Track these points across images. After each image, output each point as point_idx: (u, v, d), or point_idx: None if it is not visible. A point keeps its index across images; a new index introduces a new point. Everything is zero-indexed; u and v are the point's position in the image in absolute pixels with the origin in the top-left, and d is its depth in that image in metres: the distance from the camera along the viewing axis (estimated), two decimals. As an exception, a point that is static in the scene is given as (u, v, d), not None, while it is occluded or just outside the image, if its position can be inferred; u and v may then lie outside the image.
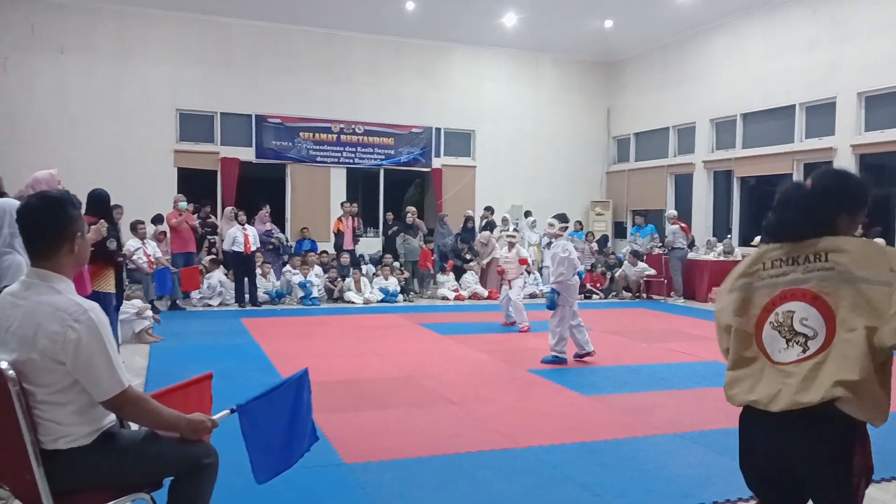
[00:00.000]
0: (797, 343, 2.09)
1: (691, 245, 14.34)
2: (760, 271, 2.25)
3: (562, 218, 7.69)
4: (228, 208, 12.94)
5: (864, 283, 2.01)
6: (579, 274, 13.56)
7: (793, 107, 12.79)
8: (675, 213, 14.27)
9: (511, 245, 9.91)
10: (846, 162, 11.72)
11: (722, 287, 2.43)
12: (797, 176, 12.75)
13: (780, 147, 13.07)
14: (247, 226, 11.88)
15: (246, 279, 11.69)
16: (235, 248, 11.52)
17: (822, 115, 12.32)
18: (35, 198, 2.41)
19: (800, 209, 2.19)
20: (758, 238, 12.55)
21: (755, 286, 2.24)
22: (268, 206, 13.09)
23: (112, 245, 5.54)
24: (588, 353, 7.44)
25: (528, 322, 9.46)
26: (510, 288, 9.72)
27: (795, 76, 12.64)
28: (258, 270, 12.01)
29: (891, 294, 1.97)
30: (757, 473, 2.26)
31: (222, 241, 12.38)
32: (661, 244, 14.47)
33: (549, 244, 9.16)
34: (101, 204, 5.57)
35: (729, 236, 13.94)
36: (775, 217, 2.27)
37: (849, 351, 1.99)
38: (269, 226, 13.01)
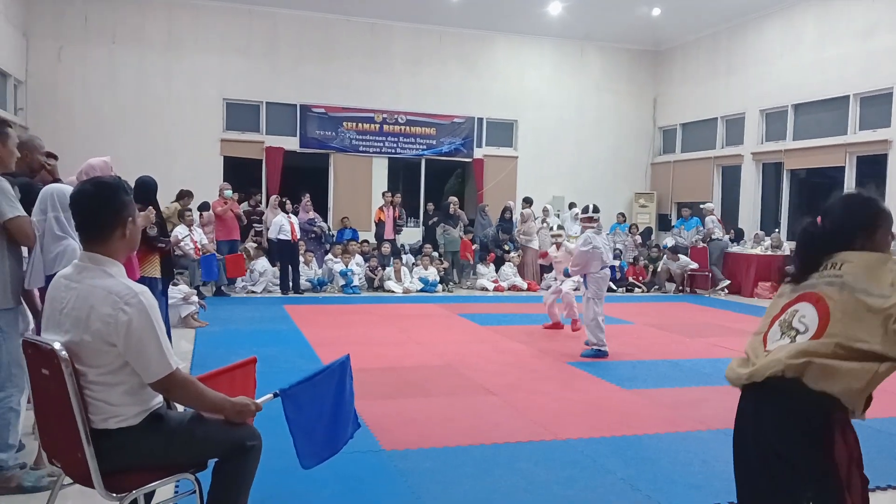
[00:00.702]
0: (789, 336, 2.24)
1: (738, 238, 14.05)
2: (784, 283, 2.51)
3: (585, 209, 7.63)
4: (273, 197, 13.13)
5: (862, 294, 2.14)
6: (620, 267, 13.61)
7: (847, 97, 12.38)
8: (711, 205, 14.00)
9: (558, 245, 9.43)
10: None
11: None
12: (849, 169, 12.36)
13: (832, 139, 12.68)
14: (291, 215, 12.05)
15: (290, 267, 11.86)
16: (281, 237, 11.70)
17: (877, 105, 11.90)
18: (89, 183, 2.47)
19: (816, 246, 2.35)
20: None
21: (781, 292, 2.46)
22: (308, 195, 13.23)
23: (153, 231, 5.63)
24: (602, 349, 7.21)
25: (580, 315, 8.69)
26: (559, 282, 8.80)
27: (850, 65, 12.22)
28: (301, 259, 12.16)
29: (883, 305, 2.09)
30: (744, 460, 2.52)
31: (268, 229, 12.58)
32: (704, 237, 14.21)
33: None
34: (147, 191, 5.67)
35: (777, 230, 13.61)
36: (797, 262, 2.43)
37: (821, 348, 2.14)
38: (311, 214, 13.16)
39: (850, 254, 2.27)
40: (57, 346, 2.25)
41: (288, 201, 12.38)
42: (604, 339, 7.21)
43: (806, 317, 2.23)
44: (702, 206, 14.44)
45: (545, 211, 14.76)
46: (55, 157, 5.19)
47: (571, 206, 15.18)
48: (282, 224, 11.74)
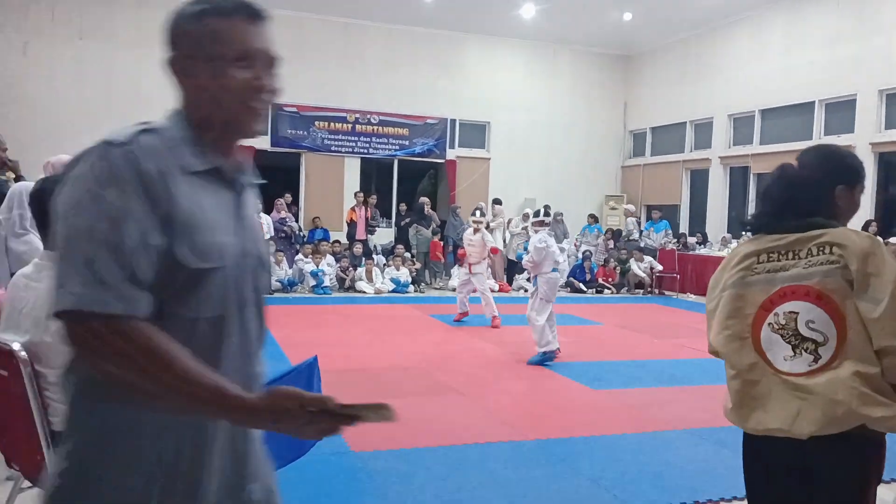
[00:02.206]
0: (806, 350, 1.84)
1: (705, 241, 14.28)
2: (755, 264, 1.99)
3: (536, 213, 8.01)
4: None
5: (861, 296, 1.81)
6: (590, 268, 13.74)
7: (812, 103, 12.64)
8: (632, 207, 14.70)
9: (476, 230, 9.54)
10: (865, 160, 11.47)
11: (711, 284, 2.17)
12: (815, 173, 12.59)
13: (798, 144, 12.90)
14: (262, 214, 11.95)
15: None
16: None
17: (841, 111, 12.17)
18: (49, 181, 2.43)
19: (795, 188, 1.98)
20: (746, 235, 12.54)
21: (748, 281, 1.98)
22: (288, 196, 13.17)
23: None
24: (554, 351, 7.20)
25: (498, 313, 9.13)
26: (472, 273, 9.32)
27: (816, 72, 12.47)
28: (271, 259, 12.06)
29: (871, 315, 1.78)
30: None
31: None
32: (675, 239, 14.40)
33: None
34: None
35: (744, 233, 13.82)
36: (768, 204, 2.05)
37: (854, 367, 1.79)
38: (283, 214, 13.07)
39: (837, 232, 1.88)
40: (16, 346, 2.21)
41: (277, 201, 12.47)
42: (553, 340, 7.10)
43: (815, 321, 1.84)
44: (625, 206, 14.80)
45: (525, 217, 14.80)
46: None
47: (546, 208, 15.28)
48: None
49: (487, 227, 10.72)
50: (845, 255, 1.83)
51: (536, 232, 7.56)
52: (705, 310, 2.21)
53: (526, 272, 13.71)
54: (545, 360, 7.02)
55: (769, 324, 1.91)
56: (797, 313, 1.86)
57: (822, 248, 1.87)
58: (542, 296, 7.10)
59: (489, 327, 9.06)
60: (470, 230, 9.76)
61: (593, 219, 15.72)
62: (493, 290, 13.02)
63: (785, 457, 1.93)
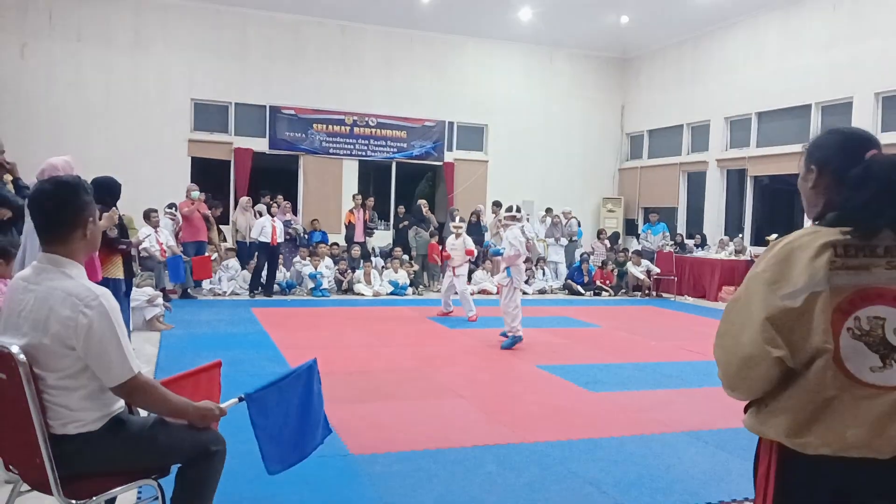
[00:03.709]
0: (894, 360, 1.64)
1: (703, 243, 14.30)
2: (832, 257, 1.67)
3: (509, 209, 8.55)
4: (244, 198, 13.01)
5: None
6: (588, 270, 13.75)
7: (809, 106, 12.67)
8: (569, 209, 15.23)
9: (457, 235, 10.28)
10: (862, 162, 11.61)
11: (758, 286, 1.71)
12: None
13: (794, 146, 12.94)
14: (270, 216, 11.99)
15: (266, 269, 11.80)
16: (262, 239, 11.61)
17: (838, 114, 12.19)
18: (48, 183, 2.42)
19: (880, 203, 1.68)
20: (774, 235, 12.48)
21: (831, 279, 1.67)
22: (288, 203, 13.16)
23: (112, 233, 5.53)
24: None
25: (475, 311, 9.84)
26: (455, 276, 10.08)
27: (812, 75, 12.51)
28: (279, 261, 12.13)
29: None
30: None
31: (236, 230, 12.46)
32: (672, 242, 14.41)
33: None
34: (108, 191, 5.55)
35: (740, 235, 13.85)
36: (873, 194, 1.69)
37: None
38: (288, 216, 13.10)
39: None
40: (14, 349, 2.20)
41: (275, 203, 12.48)
42: (519, 325, 7.87)
43: None
44: (563, 211, 15.09)
45: (496, 209, 14.80)
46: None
47: (548, 210, 15.34)
48: (264, 226, 11.67)
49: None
50: None
51: (508, 227, 8.22)
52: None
53: (524, 274, 13.80)
54: (515, 341, 7.84)
55: (848, 329, 1.66)
56: (884, 319, 1.66)
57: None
58: (516, 284, 7.97)
59: (492, 331, 9.05)
60: (452, 236, 10.44)
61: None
62: (489, 292, 13.14)
63: (864, 488, 1.69)
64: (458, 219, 11.14)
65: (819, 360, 1.64)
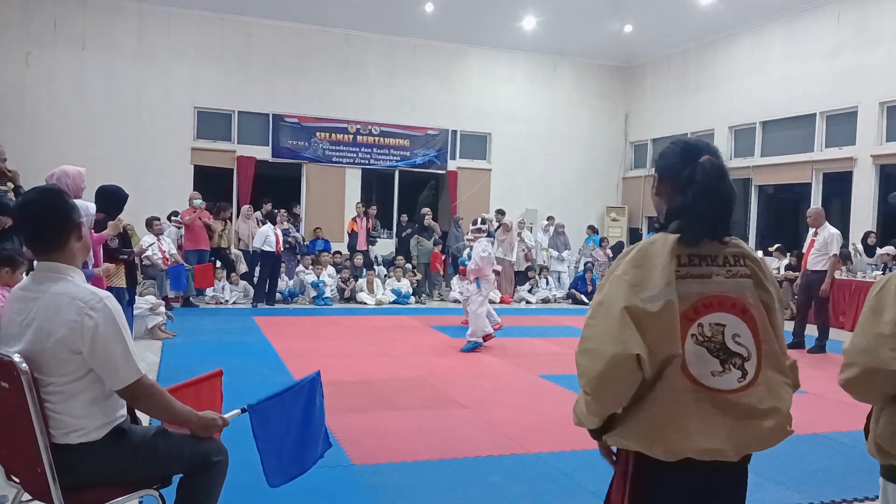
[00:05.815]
0: (734, 365, 1.72)
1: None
2: (677, 266, 1.76)
3: (474, 222, 8.78)
4: (245, 206, 13.00)
5: (770, 301, 1.80)
6: (592, 280, 13.71)
7: (813, 115, 12.65)
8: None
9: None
10: (866, 172, 11.60)
11: (620, 287, 1.74)
12: (816, 186, 12.63)
13: (799, 156, 12.94)
14: (271, 225, 11.97)
15: (269, 278, 11.78)
16: (266, 248, 11.59)
17: (842, 123, 12.18)
18: (31, 193, 2.44)
19: (731, 201, 1.85)
20: (776, 245, 12.41)
21: (678, 287, 1.74)
22: (284, 212, 13.07)
23: (114, 243, 5.52)
24: (489, 335, 8.29)
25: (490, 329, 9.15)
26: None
27: (817, 84, 12.50)
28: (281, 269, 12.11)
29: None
30: None
31: (239, 239, 12.45)
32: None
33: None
34: (111, 199, 5.54)
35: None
36: (716, 206, 1.81)
37: (776, 379, 1.76)
38: (286, 225, 13.07)
39: (742, 243, 1.86)
40: (16, 357, 2.19)
41: (279, 212, 12.54)
42: (484, 330, 8.16)
43: (741, 336, 1.74)
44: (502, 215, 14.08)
45: (521, 224, 14.82)
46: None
47: (550, 219, 15.29)
48: (267, 235, 11.65)
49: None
50: (754, 269, 1.83)
51: (475, 240, 8.41)
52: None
53: (528, 283, 13.79)
54: (476, 346, 8.13)
55: (692, 335, 1.73)
56: (724, 325, 1.74)
57: (737, 259, 1.83)
58: (484, 294, 8.30)
59: (495, 341, 9.01)
60: (467, 250, 10.25)
61: (592, 230, 15.72)
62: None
63: (710, 481, 1.75)
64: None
65: (669, 367, 1.69)
